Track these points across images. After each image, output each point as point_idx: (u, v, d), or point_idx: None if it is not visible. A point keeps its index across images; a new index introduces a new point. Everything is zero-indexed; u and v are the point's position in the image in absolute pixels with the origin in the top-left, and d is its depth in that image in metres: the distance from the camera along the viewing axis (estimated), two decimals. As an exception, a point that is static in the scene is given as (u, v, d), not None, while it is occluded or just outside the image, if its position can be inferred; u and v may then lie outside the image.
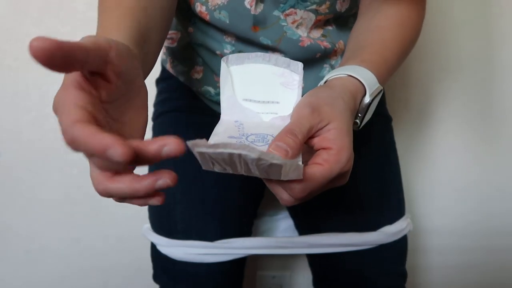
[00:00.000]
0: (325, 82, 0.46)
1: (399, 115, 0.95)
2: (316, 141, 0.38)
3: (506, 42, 0.93)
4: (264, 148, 0.36)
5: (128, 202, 0.32)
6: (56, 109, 0.31)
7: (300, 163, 0.34)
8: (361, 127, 0.46)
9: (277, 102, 0.41)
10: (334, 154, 0.36)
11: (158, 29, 0.45)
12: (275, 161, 0.30)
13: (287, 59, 0.41)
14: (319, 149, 0.38)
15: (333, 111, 0.38)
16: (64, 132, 0.28)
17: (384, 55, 0.48)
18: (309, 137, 0.38)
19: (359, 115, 0.45)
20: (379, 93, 0.45)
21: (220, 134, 0.37)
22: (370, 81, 0.44)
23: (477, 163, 0.98)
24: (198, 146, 0.29)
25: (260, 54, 0.41)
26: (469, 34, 0.93)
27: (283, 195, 0.38)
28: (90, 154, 0.28)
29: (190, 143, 0.28)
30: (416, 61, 0.93)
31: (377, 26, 0.51)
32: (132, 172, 0.30)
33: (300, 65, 0.41)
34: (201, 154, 0.31)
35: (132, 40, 0.38)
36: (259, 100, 0.41)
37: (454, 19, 0.92)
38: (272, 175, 0.33)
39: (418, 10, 0.53)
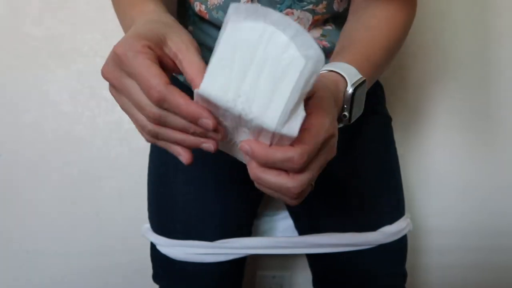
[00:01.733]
0: None
1: (399, 115, 0.95)
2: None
3: (505, 42, 0.93)
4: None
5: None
6: (127, 60, 0.33)
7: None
8: (352, 121, 0.46)
9: None
10: (316, 118, 0.35)
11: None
12: (297, 54, 0.28)
13: (286, 19, 0.34)
14: None
15: (317, 85, 0.38)
16: (153, 90, 0.31)
17: (367, 52, 0.48)
18: None
19: (345, 106, 0.44)
20: (362, 84, 0.45)
21: None
22: (349, 72, 0.44)
23: (477, 163, 0.98)
24: (238, 12, 0.29)
25: (259, 7, 0.33)
26: (468, 34, 0.93)
27: (285, 183, 0.35)
28: (165, 108, 0.32)
29: (232, 8, 0.29)
30: (416, 61, 0.93)
31: (363, 25, 0.51)
32: None
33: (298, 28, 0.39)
34: (232, 32, 0.30)
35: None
36: None
37: (453, 19, 0.92)
38: (273, 107, 0.30)
39: (406, 10, 0.53)
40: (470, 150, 0.97)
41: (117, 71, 0.34)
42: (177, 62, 0.35)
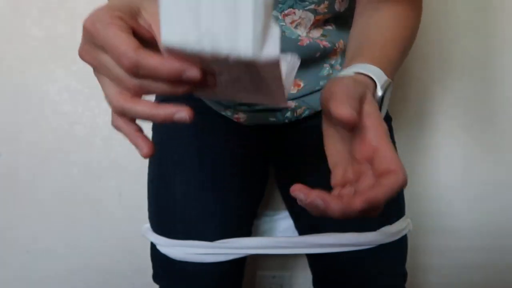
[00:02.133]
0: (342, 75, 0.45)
1: (399, 115, 0.95)
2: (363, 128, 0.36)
3: (506, 42, 0.93)
4: None
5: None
6: (96, 32, 0.31)
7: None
8: None
9: None
10: (379, 130, 0.35)
11: None
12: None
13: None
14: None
15: (363, 84, 0.38)
16: (123, 57, 0.29)
17: (387, 53, 0.48)
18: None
19: None
20: (389, 85, 0.45)
21: None
22: (378, 74, 0.44)
23: (477, 163, 0.98)
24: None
25: None
26: (469, 34, 0.93)
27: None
28: (142, 75, 0.30)
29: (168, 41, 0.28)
30: (416, 61, 0.93)
31: (377, 26, 0.51)
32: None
33: (289, 57, 0.39)
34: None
35: None
36: None
37: (454, 19, 0.92)
38: (242, 34, 0.27)
39: (416, 9, 0.53)
40: (471, 150, 0.97)
41: (91, 48, 0.32)
42: (152, 32, 0.33)
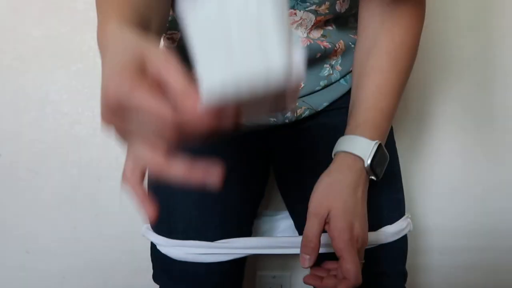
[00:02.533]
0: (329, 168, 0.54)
1: (399, 115, 0.95)
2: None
3: (507, 43, 0.93)
4: None
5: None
6: (123, 101, 0.30)
7: None
8: (381, 176, 0.54)
9: None
10: (338, 242, 0.50)
11: (157, 18, 0.45)
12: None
13: None
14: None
15: (329, 198, 0.51)
16: (165, 120, 0.30)
17: (379, 106, 0.53)
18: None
19: (371, 176, 0.53)
20: (378, 150, 0.52)
21: None
22: (362, 147, 0.52)
23: (477, 163, 0.98)
24: (185, 11, 0.28)
25: None
26: (469, 34, 0.93)
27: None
28: (184, 131, 0.30)
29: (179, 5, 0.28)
30: (416, 61, 0.93)
31: (372, 68, 0.54)
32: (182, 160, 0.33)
33: None
34: (195, 25, 0.29)
35: (134, 28, 0.38)
36: None
37: (454, 19, 0.92)
38: (271, 47, 0.28)
39: (415, 29, 0.55)
40: (470, 150, 0.97)
41: (118, 116, 0.32)
42: (161, 76, 0.33)
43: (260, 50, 0.28)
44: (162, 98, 0.30)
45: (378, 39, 0.53)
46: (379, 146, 0.52)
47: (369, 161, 0.51)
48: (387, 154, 0.54)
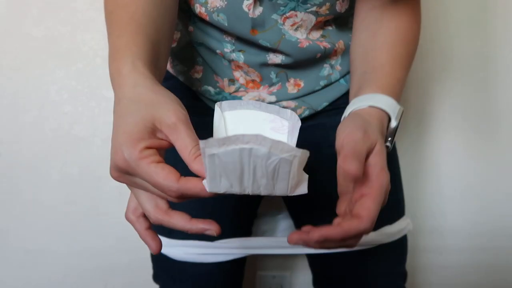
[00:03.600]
0: (348, 114, 0.47)
1: (399, 115, 0.95)
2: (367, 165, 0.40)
3: (506, 42, 0.93)
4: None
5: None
6: (132, 169, 0.35)
7: (306, 176, 0.35)
8: (391, 148, 0.48)
9: None
10: (376, 180, 0.38)
11: (166, 42, 0.47)
12: (284, 155, 0.31)
13: (277, 107, 0.44)
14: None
15: (375, 133, 0.41)
16: (168, 191, 0.33)
17: (396, 75, 0.50)
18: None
19: (389, 139, 0.47)
20: (402, 113, 0.47)
21: None
22: (391, 106, 0.46)
23: (477, 163, 0.98)
24: (210, 145, 0.31)
25: (251, 101, 0.45)
26: (469, 34, 0.93)
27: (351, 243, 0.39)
28: (186, 199, 0.35)
29: (202, 143, 0.31)
30: (416, 61, 0.93)
31: (384, 43, 0.52)
32: (182, 212, 0.37)
33: (289, 112, 0.43)
34: (211, 159, 0.32)
35: (147, 60, 0.40)
36: None
37: (454, 19, 0.92)
38: (278, 187, 0.34)
39: (416, 19, 0.54)
40: (470, 150, 0.97)
41: (126, 176, 0.36)
42: (170, 141, 0.36)
43: (266, 189, 0.34)
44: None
45: (385, 21, 0.52)
46: (402, 112, 0.47)
47: (395, 123, 0.46)
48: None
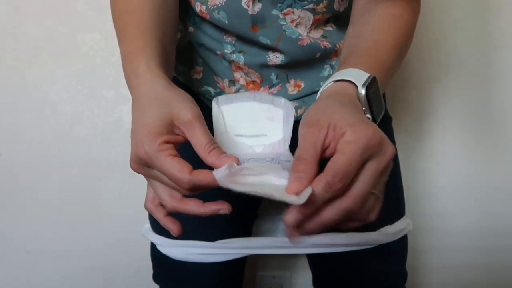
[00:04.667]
0: (317, 98, 0.45)
1: (399, 115, 0.95)
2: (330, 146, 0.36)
3: (506, 42, 0.93)
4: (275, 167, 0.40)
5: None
6: (151, 161, 0.37)
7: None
8: (378, 121, 0.44)
9: (265, 135, 0.46)
10: (354, 132, 0.35)
11: (172, 43, 0.50)
12: (293, 202, 0.34)
13: (271, 96, 0.46)
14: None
15: (329, 112, 0.38)
16: (182, 183, 0.36)
17: (378, 56, 0.47)
18: (325, 148, 0.36)
19: (364, 108, 0.43)
20: (373, 82, 0.43)
21: None
22: (356, 74, 0.43)
23: (477, 163, 0.98)
24: (226, 181, 0.34)
25: (246, 93, 0.47)
26: (468, 34, 0.93)
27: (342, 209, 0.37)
28: (198, 190, 0.38)
29: (218, 177, 0.35)
30: (416, 61, 0.93)
31: (371, 29, 0.50)
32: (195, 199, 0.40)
33: (283, 100, 0.45)
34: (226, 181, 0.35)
35: (159, 61, 0.44)
36: (249, 135, 0.46)
37: (454, 19, 0.92)
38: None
39: (412, 9, 0.52)
40: (470, 150, 0.97)
41: (145, 168, 0.39)
42: (186, 137, 0.39)
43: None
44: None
45: (377, 11, 0.51)
46: (374, 79, 0.43)
47: (363, 90, 0.41)
48: (383, 102, 0.46)
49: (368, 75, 0.43)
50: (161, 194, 0.40)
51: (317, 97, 0.45)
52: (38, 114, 0.91)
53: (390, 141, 0.37)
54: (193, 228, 0.61)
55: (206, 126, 0.39)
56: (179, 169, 0.36)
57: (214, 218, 0.61)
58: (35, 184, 0.93)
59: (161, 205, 0.43)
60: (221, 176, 0.35)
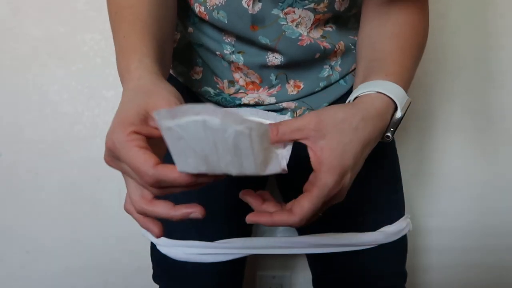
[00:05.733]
0: (354, 98, 0.46)
1: (399, 115, 0.95)
2: (311, 155, 0.40)
3: (505, 43, 0.93)
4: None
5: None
6: (117, 151, 0.35)
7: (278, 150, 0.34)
8: (391, 139, 0.47)
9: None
10: (320, 179, 0.39)
11: (169, 40, 0.49)
12: (239, 128, 0.29)
13: (274, 114, 0.46)
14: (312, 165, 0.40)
15: (335, 128, 0.40)
16: (145, 176, 0.33)
17: (405, 64, 0.49)
18: (307, 144, 0.40)
19: (391, 129, 0.46)
20: (409, 105, 0.46)
21: None
22: (399, 95, 0.45)
23: (477, 163, 0.98)
24: (162, 117, 0.30)
25: (248, 109, 0.47)
26: (468, 34, 0.93)
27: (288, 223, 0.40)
28: (163, 186, 0.34)
29: (155, 114, 0.30)
30: (416, 61, 0.93)
31: (393, 34, 0.51)
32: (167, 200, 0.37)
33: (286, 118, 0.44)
34: (169, 133, 0.31)
35: (154, 58, 0.42)
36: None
37: (454, 20, 0.92)
38: (246, 165, 0.32)
39: (425, 14, 0.53)
40: (470, 150, 0.97)
41: (114, 160, 0.36)
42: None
43: (232, 157, 0.32)
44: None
45: (392, 14, 0.52)
46: (410, 103, 0.46)
47: (401, 113, 0.44)
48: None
49: (407, 97, 0.46)
50: (131, 192, 0.37)
51: (352, 97, 0.46)
52: (38, 114, 0.91)
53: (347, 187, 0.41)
54: (193, 228, 0.61)
55: None
56: (143, 160, 0.33)
57: (214, 218, 0.62)
58: (35, 184, 0.93)
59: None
60: (161, 115, 0.31)
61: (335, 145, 0.39)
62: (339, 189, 0.40)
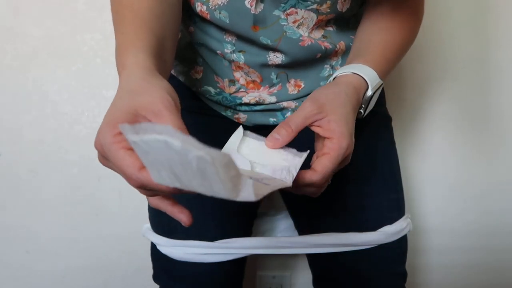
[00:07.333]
0: (333, 78, 0.53)
1: (399, 115, 0.95)
2: (320, 130, 0.46)
3: (504, 43, 0.93)
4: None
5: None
6: (104, 152, 0.35)
7: (250, 179, 0.33)
8: (365, 115, 0.54)
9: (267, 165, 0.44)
10: (336, 143, 0.44)
11: (172, 37, 0.49)
12: (200, 153, 0.27)
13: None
14: (324, 137, 0.46)
15: (333, 105, 0.47)
16: (130, 178, 0.34)
17: (385, 55, 0.55)
18: (313, 125, 0.47)
19: (363, 106, 0.53)
20: (380, 86, 0.54)
21: None
22: (371, 77, 0.52)
23: (476, 163, 0.98)
24: (126, 131, 0.29)
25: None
26: (467, 34, 0.93)
27: (310, 191, 0.45)
28: (148, 189, 0.35)
29: (121, 127, 0.30)
30: (416, 61, 0.93)
31: (380, 28, 0.57)
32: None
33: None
34: (136, 147, 0.30)
35: (151, 53, 0.42)
36: (254, 160, 0.45)
37: (453, 20, 0.92)
38: (216, 189, 0.31)
39: (416, 15, 0.59)
40: (470, 150, 0.97)
41: (105, 160, 0.36)
42: None
43: (206, 189, 0.31)
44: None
45: (385, 13, 0.57)
46: (381, 85, 0.54)
47: (371, 92, 0.52)
48: (376, 99, 0.56)
49: (379, 80, 0.53)
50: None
51: (332, 77, 0.54)
52: (38, 114, 0.91)
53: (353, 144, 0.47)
54: (193, 228, 0.61)
55: (179, 117, 0.36)
56: (129, 163, 0.33)
57: (214, 218, 0.62)
58: (35, 184, 0.93)
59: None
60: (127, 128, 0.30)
61: (339, 117, 0.46)
62: (349, 151, 0.46)
